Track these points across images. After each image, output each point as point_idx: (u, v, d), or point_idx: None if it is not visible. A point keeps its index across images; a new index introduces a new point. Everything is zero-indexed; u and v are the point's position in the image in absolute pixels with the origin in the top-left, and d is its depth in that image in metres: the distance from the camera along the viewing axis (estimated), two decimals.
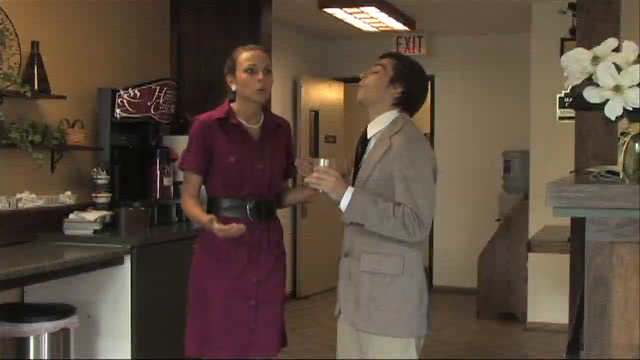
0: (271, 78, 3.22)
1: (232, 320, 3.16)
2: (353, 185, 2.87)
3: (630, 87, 1.78)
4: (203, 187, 3.25)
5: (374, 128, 2.92)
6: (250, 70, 3.15)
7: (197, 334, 3.18)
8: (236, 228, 2.98)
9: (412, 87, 2.90)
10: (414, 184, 2.75)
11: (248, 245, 3.18)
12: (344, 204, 2.76)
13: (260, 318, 3.20)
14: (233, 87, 3.20)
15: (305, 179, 2.87)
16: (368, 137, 2.93)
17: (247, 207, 3.18)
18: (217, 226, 2.98)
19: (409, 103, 2.92)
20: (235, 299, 3.16)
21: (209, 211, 3.20)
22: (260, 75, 3.16)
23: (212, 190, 3.23)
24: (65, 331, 3.65)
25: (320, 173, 2.77)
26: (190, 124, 3.33)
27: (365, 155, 2.91)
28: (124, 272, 3.89)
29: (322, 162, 2.83)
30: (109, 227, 4.31)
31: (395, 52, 3.01)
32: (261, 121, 3.27)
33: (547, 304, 6.67)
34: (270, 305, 3.24)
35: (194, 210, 3.17)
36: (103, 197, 4.45)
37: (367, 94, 2.92)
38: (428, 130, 8.60)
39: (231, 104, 3.25)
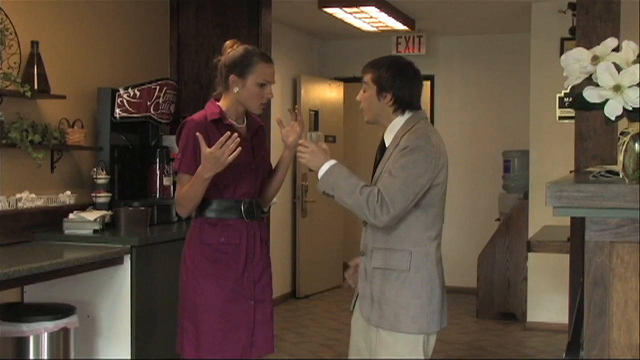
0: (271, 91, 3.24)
1: (236, 321, 3.16)
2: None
3: (630, 87, 1.78)
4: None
5: (389, 136, 2.97)
6: (262, 85, 3.15)
7: (199, 338, 3.15)
8: (230, 139, 2.94)
9: (399, 86, 2.91)
10: (397, 170, 2.79)
11: (245, 245, 3.19)
12: (320, 174, 2.87)
13: (258, 317, 3.21)
14: (236, 90, 3.16)
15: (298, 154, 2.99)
16: (386, 144, 2.97)
17: (242, 208, 3.18)
18: (212, 149, 2.94)
19: (407, 103, 2.94)
20: (238, 300, 3.16)
21: (202, 214, 3.20)
22: (269, 92, 3.17)
23: (206, 193, 3.13)
24: (65, 331, 3.65)
25: (301, 147, 2.93)
26: None
27: (381, 161, 2.96)
28: (124, 272, 3.88)
29: (308, 136, 2.98)
30: (109, 227, 4.31)
31: (371, 63, 3.00)
32: (246, 121, 3.28)
33: (547, 304, 6.67)
34: (266, 304, 3.26)
35: (184, 188, 3.10)
36: (103, 197, 4.45)
37: (368, 115, 3.00)
38: None
39: (218, 103, 3.22)
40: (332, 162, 2.86)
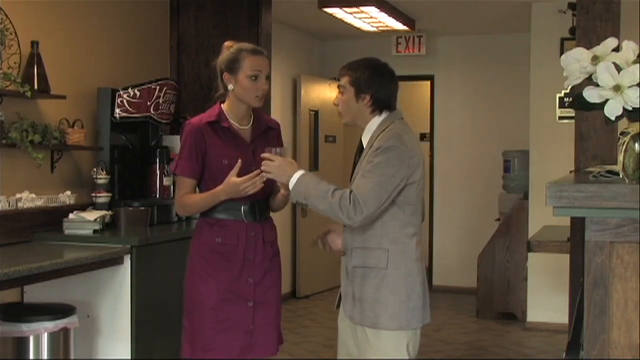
0: (269, 83, 3.25)
1: (231, 322, 3.16)
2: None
3: (630, 87, 1.78)
4: None
5: (367, 136, 2.99)
6: (255, 77, 3.16)
7: (193, 336, 3.18)
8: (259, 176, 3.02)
9: (378, 87, 2.94)
10: (370, 170, 2.81)
11: (243, 246, 3.19)
12: (291, 185, 2.87)
13: (259, 319, 3.20)
14: (230, 87, 3.19)
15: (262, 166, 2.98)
16: (364, 145, 2.99)
17: (242, 209, 3.18)
18: (238, 180, 3.03)
19: (385, 102, 2.96)
20: (233, 300, 3.17)
21: (202, 213, 3.22)
22: (263, 84, 3.18)
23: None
24: (65, 331, 3.65)
25: (266, 161, 2.93)
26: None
27: (359, 162, 2.97)
28: (124, 272, 3.88)
29: (273, 151, 3.00)
30: (109, 227, 4.31)
31: (346, 65, 3.03)
32: (252, 122, 3.28)
33: (547, 304, 6.67)
34: (268, 305, 3.24)
35: (197, 197, 3.18)
36: (103, 197, 4.45)
37: (346, 117, 3.03)
38: (428, 131, 8.61)
39: (222, 105, 3.25)
40: (301, 172, 2.88)
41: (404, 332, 2.88)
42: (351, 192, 2.79)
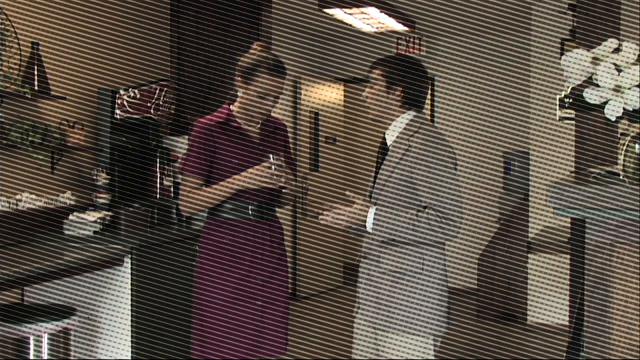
0: (276, 101, 3.23)
1: (240, 321, 3.17)
2: (373, 189, 2.93)
3: (630, 87, 1.78)
4: None
5: (392, 134, 2.94)
6: (263, 97, 3.16)
7: (202, 335, 3.18)
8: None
9: (410, 82, 2.91)
10: (437, 183, 2.78)
11: (251, 246, 3.19)
12: (369, 226, 2.82)
13: (267, 318, 3.21)
14: (240, 92, 3.21)
15: (320, 219, 2.91)
16: (387, 143, 2.95)
17: (249, 208, 3.19)
18: (259, 166, 3.08)
19: (415, 98, 2.93)
20: (241, 300, 3.17)
21: (210, 213, 3.23)
22: (269, 103, 3.18)
23: None
24: (65, 331, 3.65)
25: (332, 211, 2.86)
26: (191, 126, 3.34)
27: (385, 161, 2.92)
28: (124, 272, 3.89)
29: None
30: (109, 228, 4.31)
31: (380, 58, 3.00)
32: (259, 123, 3.29)
33: (547, 304, 6.67)
34: (276, 304, 3.25)
35: (206, 189, 3.17)
36: (103, 198, 4.45)
37: (374, 111, 2.97)
38: None
39: (230, 106, 3.26)
40: (372, 211, 2.81)
41: (432, 336, 2.86)
42: (433, 209, 2.75)
